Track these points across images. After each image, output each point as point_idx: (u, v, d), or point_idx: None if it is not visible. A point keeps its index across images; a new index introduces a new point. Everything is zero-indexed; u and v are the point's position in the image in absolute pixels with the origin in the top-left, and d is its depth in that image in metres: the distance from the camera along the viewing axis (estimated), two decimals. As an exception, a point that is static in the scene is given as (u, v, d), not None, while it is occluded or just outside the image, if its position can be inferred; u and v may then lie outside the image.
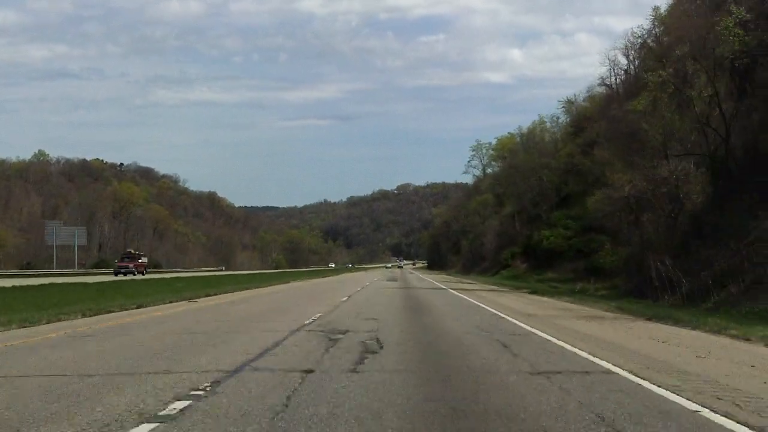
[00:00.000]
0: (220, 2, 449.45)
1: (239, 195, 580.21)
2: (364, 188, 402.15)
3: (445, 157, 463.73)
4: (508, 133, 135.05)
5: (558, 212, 62.90)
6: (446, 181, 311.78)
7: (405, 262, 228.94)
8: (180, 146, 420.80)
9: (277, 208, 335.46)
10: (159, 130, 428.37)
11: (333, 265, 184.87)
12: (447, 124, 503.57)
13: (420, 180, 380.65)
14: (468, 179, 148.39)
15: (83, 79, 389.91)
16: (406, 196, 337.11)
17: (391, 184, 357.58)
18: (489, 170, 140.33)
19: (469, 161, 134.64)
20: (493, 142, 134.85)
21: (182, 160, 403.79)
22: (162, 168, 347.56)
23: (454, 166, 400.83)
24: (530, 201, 68.33)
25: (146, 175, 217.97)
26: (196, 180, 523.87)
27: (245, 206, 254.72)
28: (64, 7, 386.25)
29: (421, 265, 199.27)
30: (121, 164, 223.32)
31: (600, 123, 59.29)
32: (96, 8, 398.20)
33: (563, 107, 73.91)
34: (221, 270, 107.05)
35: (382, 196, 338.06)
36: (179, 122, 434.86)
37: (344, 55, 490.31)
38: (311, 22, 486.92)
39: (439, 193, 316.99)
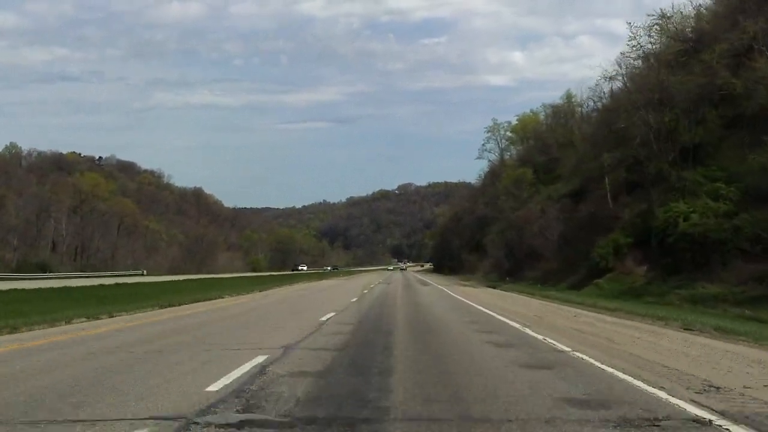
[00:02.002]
0: (221, 5, 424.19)
1: (238, 197, 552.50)
2: (364, 190, 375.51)
3: (446, 157, 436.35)
4: (530, 110, 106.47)
5: (694, 171, 33.97)
6: (449, 180, 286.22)
7: (409, 264, 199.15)
8: (180, 149, 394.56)
9: (276, 209, 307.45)
10: (159, 134, 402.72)
11: (305, 268, 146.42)
12: (449, 127, 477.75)
13: (421, 180, 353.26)
14: (473, 174, 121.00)
15: (83, 82, 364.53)
16: (407, 196, 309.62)
17: (391, 186, 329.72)
18: (508, 155, 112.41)
19: (483, 144, 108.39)
20: (513, 121, 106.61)
21: (181, 162, 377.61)
22: (165, 170, 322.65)
23: (456, 167, 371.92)
24: (628, 159, 39.21)
25: (126, 169, 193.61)
26: (195, 182, 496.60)
27: (245, 207, 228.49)
28: (64, 9, 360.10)
29: (428, 267, 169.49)
30: (100, 158, 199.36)
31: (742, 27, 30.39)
32: (96, 11, 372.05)
33: (654, 22, 45.06)
34: (141, 274, 78.51)
35: (383, 196, 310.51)
36: (179, 125, 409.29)
37: (345, 57, 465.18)
38: (312, 25, 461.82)
39: (441, 192, 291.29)
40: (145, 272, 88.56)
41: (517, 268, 54.16)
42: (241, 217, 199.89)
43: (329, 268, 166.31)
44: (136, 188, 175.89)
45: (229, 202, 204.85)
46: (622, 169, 40.85)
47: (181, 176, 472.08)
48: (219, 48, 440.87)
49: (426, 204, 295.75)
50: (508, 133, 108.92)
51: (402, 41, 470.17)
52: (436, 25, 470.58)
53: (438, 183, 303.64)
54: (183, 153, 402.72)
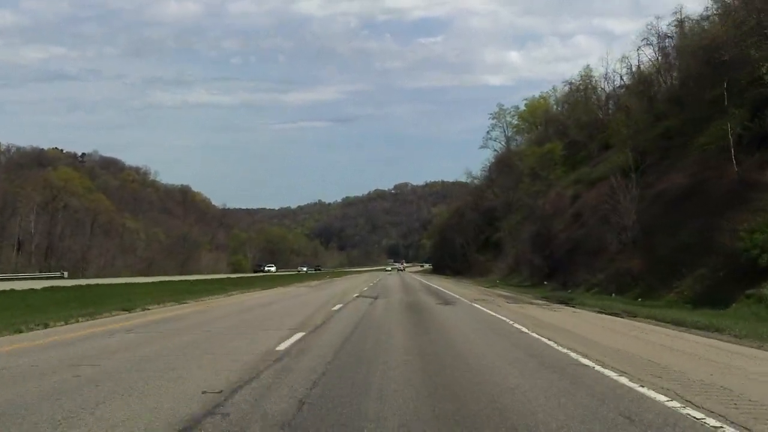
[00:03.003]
0: (219, 3, 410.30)
1: (234, 197, 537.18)
2: (360, 191, 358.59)
3: (444, 157, 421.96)
4: (540, 95, 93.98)
5: None
6: (445, 180, 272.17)
7: (406, 264, 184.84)
8: (177, 148, 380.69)
9: (272, 209, 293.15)
10: (157, 132, 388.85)
11: (273, 269, 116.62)
12: (447, 127, 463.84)
13: (418, 180, 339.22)
14: (473, 172, 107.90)
15: (81, 81, 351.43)
16: (403, 196, 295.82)
17: (388, 186, 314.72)
18: (515, 143, 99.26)
19: (488, 132, 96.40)
20: (522, 106, 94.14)
21: (177, 162, 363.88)
22: (163, 171, 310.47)
23: (453, 167, 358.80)
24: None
25: (109, 165, 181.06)
26: (191, 182, 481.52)
27: (240, 208, 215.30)
28: (61, 8, 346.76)
29: (427, 267, 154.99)
30: (83, 154, 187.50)
31: None
32: (94, 9, 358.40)
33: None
34: (61, 277, 64.58)
35: (379, 195, 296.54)
36: (177, 124, 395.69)
37: (343, 56, 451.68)
38: (310, 24, 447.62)
39: (438, 192, 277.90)
40: (66, 274, 74.09)
41: (557, 268, 39.12)
42: (230, 216, 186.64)
43: (305, 268, 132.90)
44: (119, 185, 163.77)
45: (225, 203, 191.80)
46: (740, 114, 27.11)
47: (177, 176, 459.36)
48: (217, 46, 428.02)
49: (423, 203, 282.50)
50: (515, 121, 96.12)
51: (399, 40, 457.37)
52: (433, 24, 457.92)
53: (435, 182, 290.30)
54: (179, 152, 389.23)
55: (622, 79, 68.96)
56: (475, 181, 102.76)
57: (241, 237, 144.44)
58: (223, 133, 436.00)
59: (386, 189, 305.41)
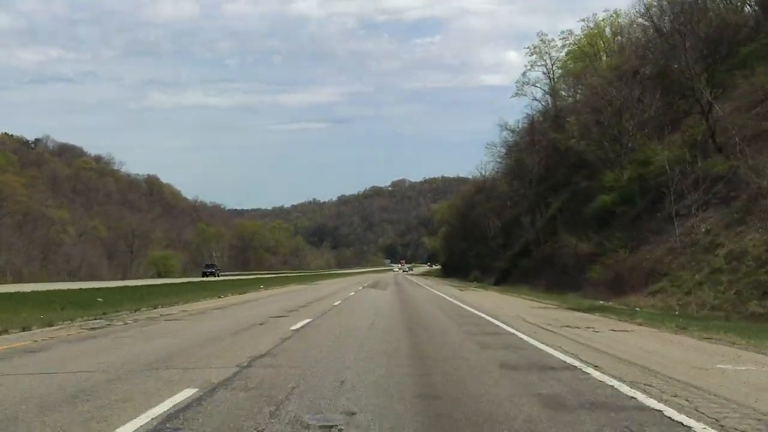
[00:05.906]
0: (214, 4, 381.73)
1: (229, 198, 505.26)
2: (357, 189, 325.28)
3: (443, 158, 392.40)
4: (604, 12, 61.14)
5: None
6: (446, 175, 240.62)
7: (408, 265, 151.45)
8: (173, 150, 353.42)
9: (265, 209, 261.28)
10: (153, 134, 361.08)
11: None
12: (445, 127, 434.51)
13: (416, 177, 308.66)
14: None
15: (77, 83, 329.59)
16: (401, 193, 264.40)
17: (385, 183, 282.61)
18: (563, 92, 65.37)
19: (524, 73, 68.16)
20: (578, 32, 60.29)
21: (176, 163, 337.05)
22: (157, 171, 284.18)
23: (453, 165, 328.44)
24: None
25: (64, 152, 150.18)
26: (187, 183, 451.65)
27: (236, 209, 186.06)
28: (56, 10, 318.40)
29: (435, 269, 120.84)
30: (36, 140, 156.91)
31: None
32: (89, 11, 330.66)
33: None
34: None
35: (375, 192, 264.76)
36: (173, 126, 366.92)
37: (340, 57, 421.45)
38: (306, 24, 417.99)
39: (437, 188, 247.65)
40: None
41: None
42: (205, 211, 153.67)
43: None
44: (71, 174, 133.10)
45: (197, 196, 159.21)
46: None
47: (171, 177, 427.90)
48: (212, 48, 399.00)
49: (422, 200, 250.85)
50: (562, 55, 65.12)
51: (397, 41, 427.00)
52: (431, 24, 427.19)
53: (435, 178, 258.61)
54: (177, 154, 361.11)
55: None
56: (510, 138, 68.36)
57: (208, 232, 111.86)
58: (218, 134, 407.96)
59: (383, 186, 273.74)
